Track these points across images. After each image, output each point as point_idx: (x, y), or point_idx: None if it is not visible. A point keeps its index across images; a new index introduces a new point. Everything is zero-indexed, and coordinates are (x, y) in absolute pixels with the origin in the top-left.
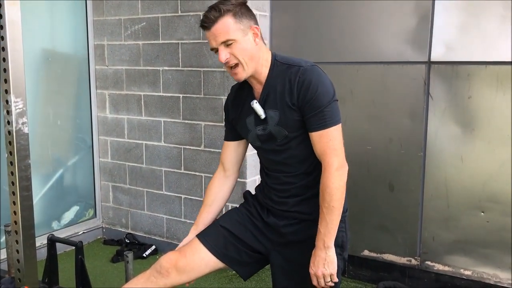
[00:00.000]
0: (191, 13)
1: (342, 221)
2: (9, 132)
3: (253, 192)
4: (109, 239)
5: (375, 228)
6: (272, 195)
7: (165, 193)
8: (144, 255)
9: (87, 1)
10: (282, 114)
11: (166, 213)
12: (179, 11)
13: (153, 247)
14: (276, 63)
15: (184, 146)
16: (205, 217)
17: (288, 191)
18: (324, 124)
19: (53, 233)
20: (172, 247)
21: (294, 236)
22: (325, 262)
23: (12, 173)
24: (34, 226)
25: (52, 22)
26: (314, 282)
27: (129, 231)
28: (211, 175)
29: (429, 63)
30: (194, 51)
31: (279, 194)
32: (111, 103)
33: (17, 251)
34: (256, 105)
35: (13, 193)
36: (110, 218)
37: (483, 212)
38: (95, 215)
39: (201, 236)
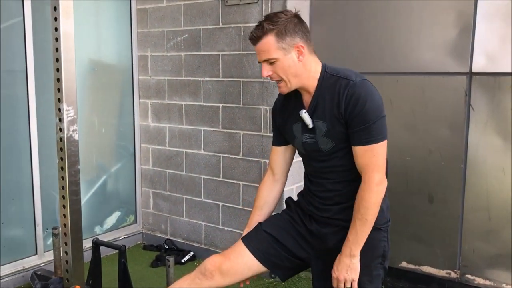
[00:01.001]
0: (232, 25)
1: (384, 231)
2: (61, 139)
3: (295, 199)
4: (148, 245)
5: (414, 240)
6: (316, 202)
7: (204, 200)
8: (183, 261)
9: (132, 14)
10: (330, 125)
11: (204, 220)
12: (220, 23)
13: (191, 253)
14: (326, 75)
15: (223, 155)
16: (256, 220)
17: (331, 198)
18: (370, 139)
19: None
20: (210, 254)
21: (337, 244)
22: (349, 268)
23: (62, 178)
24: (81, 229)
25: (98, 34)
26: (334, 285)
27: (168, 237)
28: (248, 183)
29: (470, 74)
30: (234, 62)
31: (322, 201)
32: (153, 112)
33: (66, 252)
34: (305, 115)
35: (63, 197)
36: (150, 224)
37: None
38: (135, 220)
39: (245, 240)
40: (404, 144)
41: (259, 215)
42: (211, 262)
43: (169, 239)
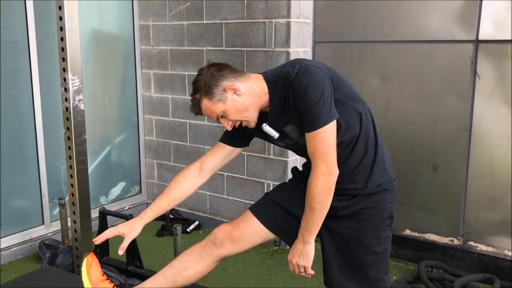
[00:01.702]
0: None
1: (391, 192)
2: (67, 109)
3: (300, 169)
4: None
5: (417, 208)
6: None
7: None
8: (188, 230)
9: None
10: (298, 125)
11: (209, 190)
12: None
13: (196, 222)
14: (271, 84)
15: None
16: (162, 208)
17: None
18: (313, 125)
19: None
20: (214, 223)
21: (343, 211)
22: (301, 254)
23: (69, 148)
24: (89, 198)
25: (99, 3)
26: (290, 268)
27: (173, 207)
28: (253, 154)
29: (477, 41)
30: (238, 30)
31: None
32: (156, 83)
33: (74, 221)
34: (267, 128)
35: (70, 167)
36: (155, 194)
37: None
38: (140, 191)
39: (254, 209)
40: (409, 113)
41: (168, 204)
42: (221, 231)
43: (174, 209)
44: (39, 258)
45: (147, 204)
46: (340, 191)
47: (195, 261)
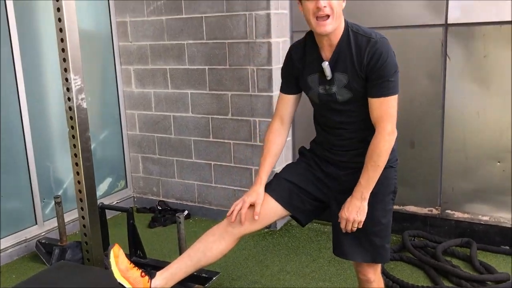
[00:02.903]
0: None
1: (395, 169)
2: (70, 108)
3: (307, 147)
4: (141, 207)
5: (398, 183)
6: (332, 149)
7: (195, 160)
8: None
9: None
10: (351, 78)
11: (196, 179)
12: None
13: (186, 211)
14: (349, 30)
15: (212, 116)
16: (271, 167)
17: (348, 146)
18: (387, 92)
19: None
20: (204, 211)
21: (353, 184)
22: (359, 210)
23: (74, 146)
24: (96, 194)
25: (75, 2)
26: (342, 225)
27: (161, 198)
28: (239, 142)
29: (446, 25)
30: (218, 24)
31: (339, 148)
32: (137, 78)
33: (83, 217)
34: (327, 66)
35: (76, 164)
36: (141, 188)
37: (499, 162)
38: (126, 185)
39: (268, 190)
40: None
41: (272, 163)
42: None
43: (162, 201)
44: (37, 258)
45: (134, 198)
46: (352, 164)
47: (217, 241)
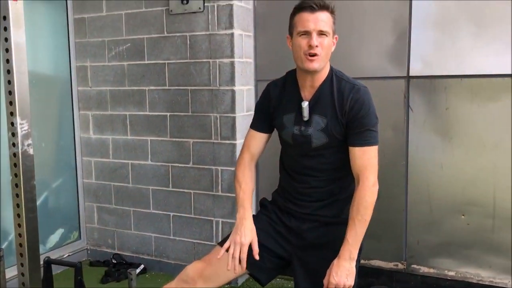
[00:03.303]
0: (177, 34)
1: None
2: (15, 154)
3: (269, 199)
4: (95, 261)
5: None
6: (296, 199)
7: (153, 211)
8: None
9: (69, 24)
10: (329, 122)
11: (154, 231)
12: (165, 32)
13: (142, 266)
14: (333, 74)
15: (172, 164)
16: (251, 199)
17: (313, 195)
18: (369, 141)
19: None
20: (161, 265)
21: (316, 240)
22: (348, 273)
23: (17, 195)
24: (39, 248)
25: (34, 45)
26: None
27: (116, 251)
28: (200, 192)
29: (408, 77)
30: (181, 70)
31: (303, 197)
32: (95, 124)
33: (22, 274)
34: (306, 105)
35: (18, 216)
36: (95, 240)
37: (463, 215)
38: (79, 237)
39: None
40: None
41: (251, 193)
42: (192, 269)
43: (117, 254)
44: None
45: (87, 250)
46: (316, 217)
47: None
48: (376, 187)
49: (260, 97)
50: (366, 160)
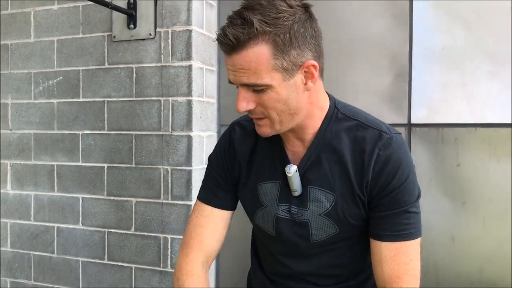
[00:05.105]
0: (121, 66)
1: None
2: None
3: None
4: None
5: None
6: None
7: None
8: None
9: None
10: (339, 200)
11: None
12: (106, 63)
13: None
14: (337, 115)
15: (109, 230)
16: None
17: None
18: (406, 233)
19: None
20: None
21: None
22: None
23: None
24: None
25: None
26: None
27: None
28: (143, 267)
29: (409, 125)
30: (124, 110)
31: None
32: (14, 177)
33: None
34: (296, 174)
35: None
36: None
37: None
38: None
39: None
40: None
41: None
42: None
43: None
44: None
45: None
46: None
47: None
48: None
49: (215, 147)
50: (401, 263)
